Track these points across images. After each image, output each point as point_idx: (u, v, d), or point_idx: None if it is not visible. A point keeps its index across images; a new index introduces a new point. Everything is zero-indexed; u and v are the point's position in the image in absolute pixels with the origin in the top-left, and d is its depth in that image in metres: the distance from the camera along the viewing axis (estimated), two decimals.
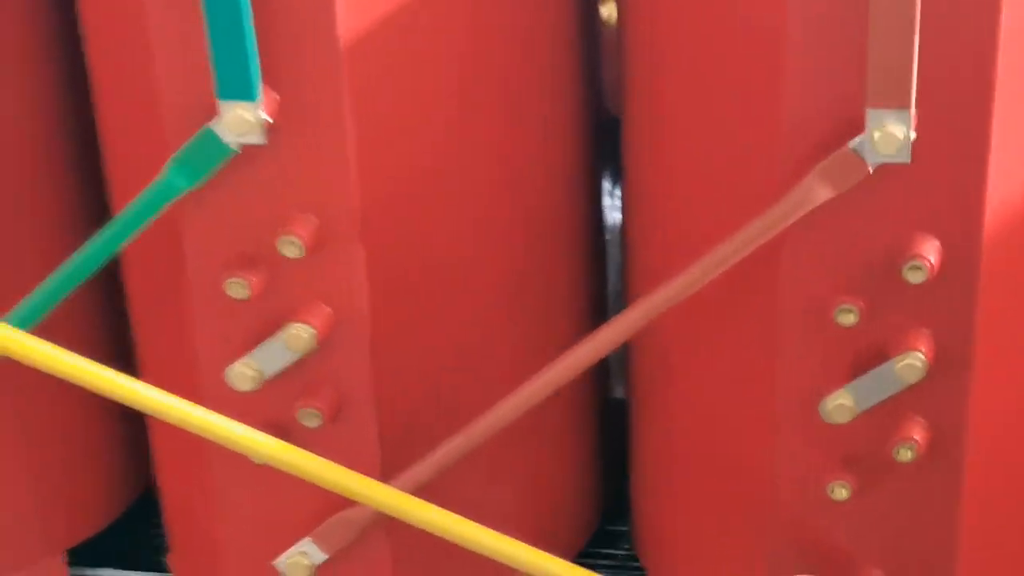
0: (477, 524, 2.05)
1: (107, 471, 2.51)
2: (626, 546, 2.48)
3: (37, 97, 2.22)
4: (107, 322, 2.37)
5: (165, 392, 1.99)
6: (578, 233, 2.27)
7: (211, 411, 1.98)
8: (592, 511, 2.47)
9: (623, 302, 2.33)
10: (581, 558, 2.42)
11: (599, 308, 2.40)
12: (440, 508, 2.04)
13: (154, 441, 2.36)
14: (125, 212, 1.93)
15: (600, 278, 2.42)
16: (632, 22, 2.02)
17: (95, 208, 2.28)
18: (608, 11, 2.38)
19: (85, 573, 2.53)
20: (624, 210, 2.23)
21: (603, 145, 2.33)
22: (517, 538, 2.06)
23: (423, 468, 2.05)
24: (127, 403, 2.00)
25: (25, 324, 1.98)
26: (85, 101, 2.16)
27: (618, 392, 2.53)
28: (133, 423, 2.41)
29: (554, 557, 2.07)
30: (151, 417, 2.25)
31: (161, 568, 2.48)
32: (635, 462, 2.34)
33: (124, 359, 2.25)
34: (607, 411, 2.50)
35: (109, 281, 2.21)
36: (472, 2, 1.93)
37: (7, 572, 2.41)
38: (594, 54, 2.24)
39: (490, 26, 1.96)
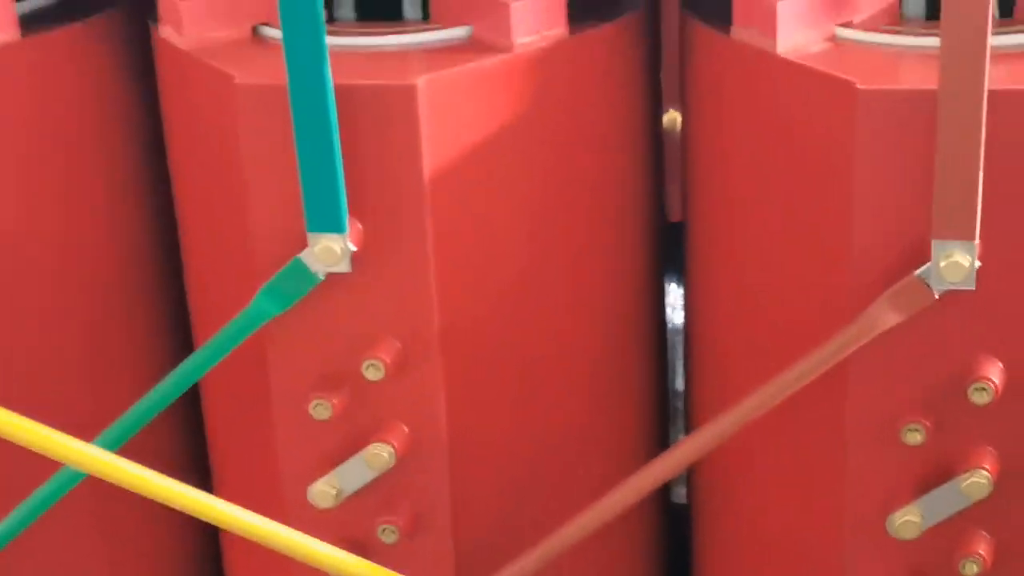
0: None
1: None
2: None
3: (124, 224, 2.32)
4: (184, 437, 2.45)
5: (246, 510, 2.07)
6: (645, 339, 2.34)
7: (291, 528, 2.05)
8: None
9: (682, 401, 2.41)
10: None
11: (662, 410, 2.48)
12: None
13: (228, 555, 2.44)
14: (216, 337, 2.01)
15: (663, 381, 2.49)
16: (698, 138, 2.12)
17: (175, 332, 2.39)
18: (670, 119, 2.48)
19: None
20: (688, 315, 2.31)
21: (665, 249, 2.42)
22: None
23: None
24: (211, 520, 2.08)
25: (114, 446, 2.06)
26: (168, 229, 2.28)
27: (680, 496, 2.61)
28: (207, 533, 2.49)
29: None
30: (225, 531, 2.34)
31: None
32: (697, 568, 2.41)
33: (198, 472, 2.34)
34: (669, 515, 2.57)
35: (184, 398, 2.30)
36: (548, 132, 2.03)
37: None
38: (658, 162, 2.33)
39: (565, 152, 2.06)
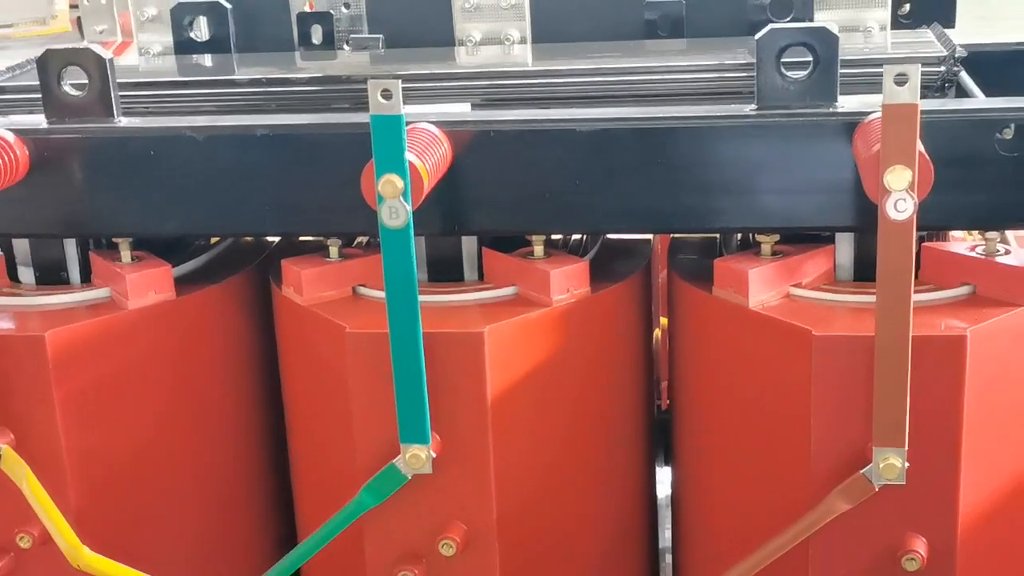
0: None
1: None
2: None
3: (245, 437, 2.36)
4: None
5: None
6: (645, 508, 2.38)
7: None
8: None
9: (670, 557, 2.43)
10: None
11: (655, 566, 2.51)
12: None
13: None
14: (328, 524, 2.05)
15: (655, 542, 2.51)
16: (683, 362, 2.19)
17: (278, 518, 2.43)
18: (658, 332, 2.54)
19: None
20: (676, 491, 2.34)
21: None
22: None
23: None
24: None
25: None
26: (277, 439, 2.34)
27: None
28: None
29: None
30: None
31: None
32: None
33: None
34: None
35: None
36: (578, 361, 2.10)
37: None
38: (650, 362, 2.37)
39: (591, 373, 2.14)
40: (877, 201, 1.76)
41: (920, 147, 1.74)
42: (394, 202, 1.83)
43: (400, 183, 1.82)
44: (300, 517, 2.32)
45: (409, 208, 1.83)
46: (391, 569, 2.07)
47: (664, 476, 2.49)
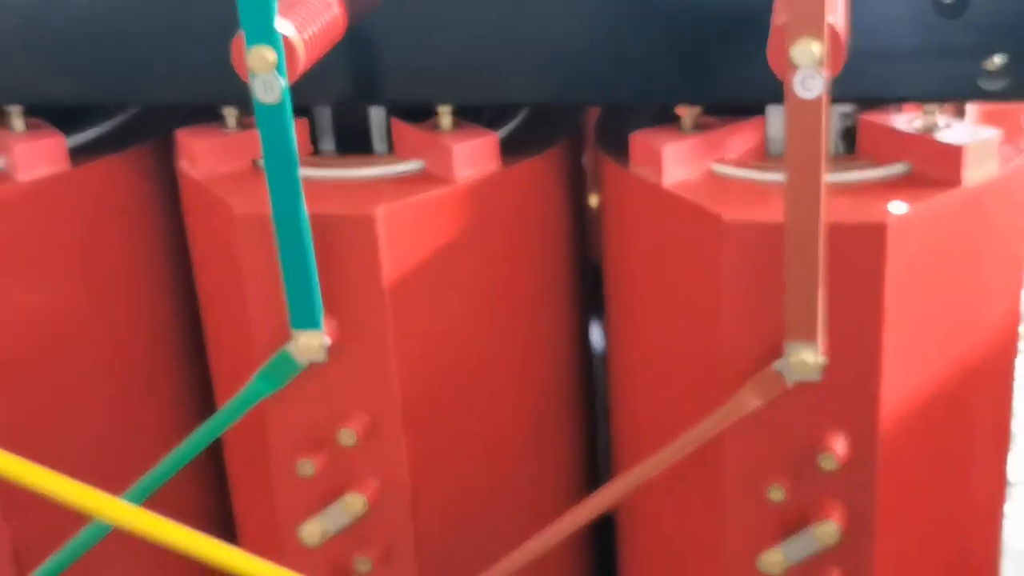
0: None
1: None
2: None
3: (157, 315, 2.32)
4: (213, 488, 2.43)
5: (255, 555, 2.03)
6: (572, 398, 2.32)
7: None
8: None
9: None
10: None
11: (590, 449, 2.45)
12: None
13: None
14: (224, 408, 2.01)
15: (590, 437, 2.45)
16: (610, 242, 2.09)
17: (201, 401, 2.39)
18: (594, 200, 2.43)
19: None
20: (610, 384, 2.25)
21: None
22: None
23: None
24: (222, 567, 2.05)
25: (139, 499, 2.05)
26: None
27: None
28: None
29: None
30: None
31: None
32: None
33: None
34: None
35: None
36: (484, 242, 2.01)
37: None
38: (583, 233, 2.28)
39: (508, 248, 2.05)
40: (782, 77, 1.63)
41: (836, 16, 1.61)
42: (267, 76, 1.73)
43: (272, 56, 1.71)
44: (218, 401, 2.28)
45: (284, 83, 1.73)
46: (291, 457, 2.03)
47: None
